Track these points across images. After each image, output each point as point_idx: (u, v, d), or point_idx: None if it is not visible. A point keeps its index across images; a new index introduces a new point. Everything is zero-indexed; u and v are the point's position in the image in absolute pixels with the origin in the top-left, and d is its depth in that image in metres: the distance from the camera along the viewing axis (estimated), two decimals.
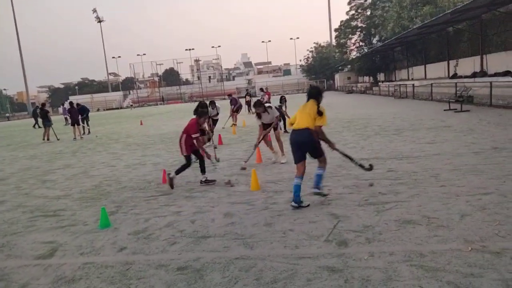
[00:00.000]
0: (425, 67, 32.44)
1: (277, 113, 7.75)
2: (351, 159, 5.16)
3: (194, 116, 6.99)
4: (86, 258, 3.80)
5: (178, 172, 6.28)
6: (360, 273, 3.01)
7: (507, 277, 2.75)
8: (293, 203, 4.68)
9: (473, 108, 14.83)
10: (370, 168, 5.16)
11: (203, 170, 6.39)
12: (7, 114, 77.57)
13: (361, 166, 5.16)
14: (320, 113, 4.69)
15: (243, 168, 7.18)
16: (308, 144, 4.71)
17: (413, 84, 26.24)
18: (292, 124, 4.97)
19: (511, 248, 3.19)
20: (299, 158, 4.78)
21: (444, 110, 15.16)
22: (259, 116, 7.50)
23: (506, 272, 2.83)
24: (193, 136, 6.21)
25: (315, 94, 4.83)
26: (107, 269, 3.50)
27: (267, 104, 7.77)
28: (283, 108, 12.70)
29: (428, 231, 3.69)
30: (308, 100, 4.86)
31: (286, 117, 12.58)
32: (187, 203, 5.37)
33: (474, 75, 21.78)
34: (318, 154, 4.83)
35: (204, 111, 6.69)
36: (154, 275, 3.29)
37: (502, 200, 4.34)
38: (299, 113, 4.87)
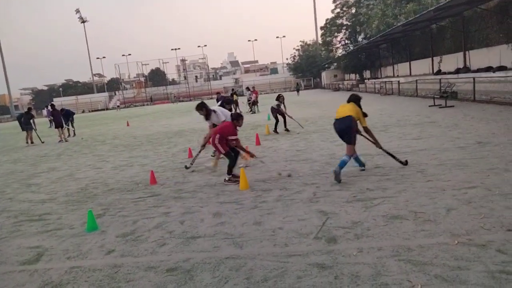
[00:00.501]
0: (410, 64, 32.90)
1: (224, 118, 7.34)
2: (393, 156, 6.04)
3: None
4: (73, 262, 3.74)
5: (230, 171, 6.17)
6: (350, 269, 3.03)
7: (492, 269, 2.80)
8: (336, 169, 5.48)
9: (457, 104, 15.09)
10: (406, 163, 6.03)
11: (230, 170, 6.20)
12: None
13: (401, 162, 6.02)
14: (365, 115, 5.84)
15: (187, 168, 7.51)
16: (346, 129, 5.61)
17: (398, 81, 26.58)
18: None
19: (496, 240, 3.25)
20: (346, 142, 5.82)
21: (429, 106, 15.39)
22: (206, 117, 7.41)
23: (492, 264, 2.88)
24: (232, 138, 6.17)
25: (354, 99, 5.95)
26: (95, 272, 3.45)
27: (213, 107, 7.57)
28: (282, 107, 12.38)
29: (416, 225, 3.73)
30: (348, 102, 5.98)
31: (285, 116, 12.41)
32: (175, 204, 5.33)
33: (457, 71, 22.20)
34: (348, 141, 5.66)
35: (240, 115, 6.45)
36: (143, 277, 3.26)
37: (486, 193, 4.42)
38: (341, 107, 5.92)
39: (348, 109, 5.74)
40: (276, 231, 3.97)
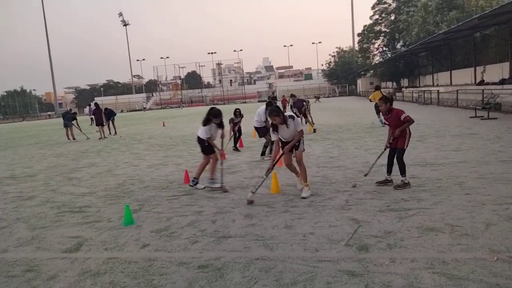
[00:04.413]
0: (450, 73, 31.73)
1: (301, 127, 5.57)
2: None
3: None
4: (110, 253, 3.92)
5: (403, 172, 5.53)
6: (381, 278, 2.99)
7: None
8: None
9: (500, 116, 14.40)
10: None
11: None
12: (49, 113, 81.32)
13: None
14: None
15: (250, 202, 5.28)
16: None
17: (438, 90, 25.70)
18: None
19: None
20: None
21: (470, 117, 14.79)
22: (275, 128, 5.45)
23: None
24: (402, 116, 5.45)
25: (377, 88, 12.93)
26: (130, 264, 3.60)
27: (287, 113, 5.56)
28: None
29: (452, 239, 3.62)
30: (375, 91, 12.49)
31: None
32: (208, 203, 5.45)
33: (502, 81, 21.15)
34: None
35: None
36: (175, 272, 3.37)
37: None
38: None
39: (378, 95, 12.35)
40: (306, 236, 3.97)
